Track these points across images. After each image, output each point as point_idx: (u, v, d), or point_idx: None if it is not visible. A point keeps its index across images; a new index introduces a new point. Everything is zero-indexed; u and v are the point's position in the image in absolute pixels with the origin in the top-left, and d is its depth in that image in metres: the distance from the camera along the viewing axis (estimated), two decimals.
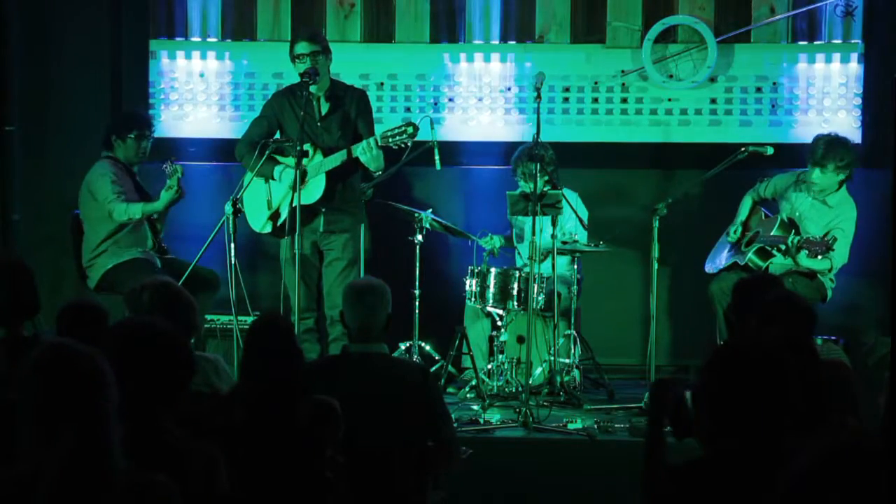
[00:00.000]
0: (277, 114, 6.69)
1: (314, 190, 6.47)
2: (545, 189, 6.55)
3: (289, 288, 6.49)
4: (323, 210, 6.51)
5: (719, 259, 6.97)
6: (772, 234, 6.68)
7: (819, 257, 6.37)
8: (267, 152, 6.44)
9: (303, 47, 6.55)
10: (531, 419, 5.91)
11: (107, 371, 2.71)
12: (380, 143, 6.38)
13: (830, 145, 6.63)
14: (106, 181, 6.61)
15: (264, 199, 6.63)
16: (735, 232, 6.89)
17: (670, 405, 3.32)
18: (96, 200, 6.62)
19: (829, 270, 6.59)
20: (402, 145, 6.38)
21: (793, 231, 6.66)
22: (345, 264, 6.63)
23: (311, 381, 3.98)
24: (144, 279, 6.43)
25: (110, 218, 6.59)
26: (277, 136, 6.68)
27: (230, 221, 6.27)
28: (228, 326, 6.62)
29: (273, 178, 6.56)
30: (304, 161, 6.33)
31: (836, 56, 7.59)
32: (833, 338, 6.48)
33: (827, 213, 6.69)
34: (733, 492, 2.89)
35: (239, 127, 7.73)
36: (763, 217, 6.95)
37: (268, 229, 6.69)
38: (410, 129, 6.36)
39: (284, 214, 6.52)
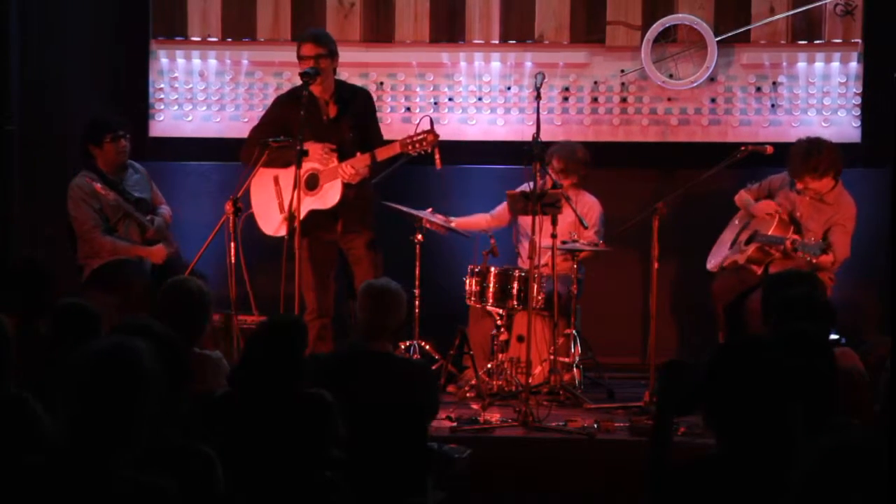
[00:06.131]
0: (282, 118, 6.65)
1: (332, 193, 6.49)
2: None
3: (304, 288, 6.53)
4: (339, 212, 6.53)
5: (720, 257, 6.97)
6: (769, 233, 6.68)
7: (814, 261, 6.38)
8: (266, 152, 6.45)
9: (308, 49, 6.54)
10: (531, 418, 5.91)
11: (157, 371, 2.74)
12: (400, 149, 6.42)
13: (805, 158, 6.62)
14: (79, 209, 6.68)
15: (275, 202, 6.62)
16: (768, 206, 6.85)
17: (679, 389, 3.28)
18: (74, 223, 6.71)
19: (833, 265, 6.58)
20: (423, 152, 6.43)
21: (791, 229, 6.67)
22: (370, 261, 6.63)
23: (314, 377, 3.98)
24: (129, 278, 6.60)
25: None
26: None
27: (230, 221, 6.28)
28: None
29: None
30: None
31: (836, 56, 7.59)
32: (835, 337, 6.47)
33: (826, 211, 6.70)
34: (737, 491, 2.88)
35: (239, 127, 7.74)
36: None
37: (283, 232, 6.68)
38: (430, 137, 6.40)
39: (300, 217, 6.52)
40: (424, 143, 6.39)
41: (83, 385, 2.69)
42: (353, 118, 6.61)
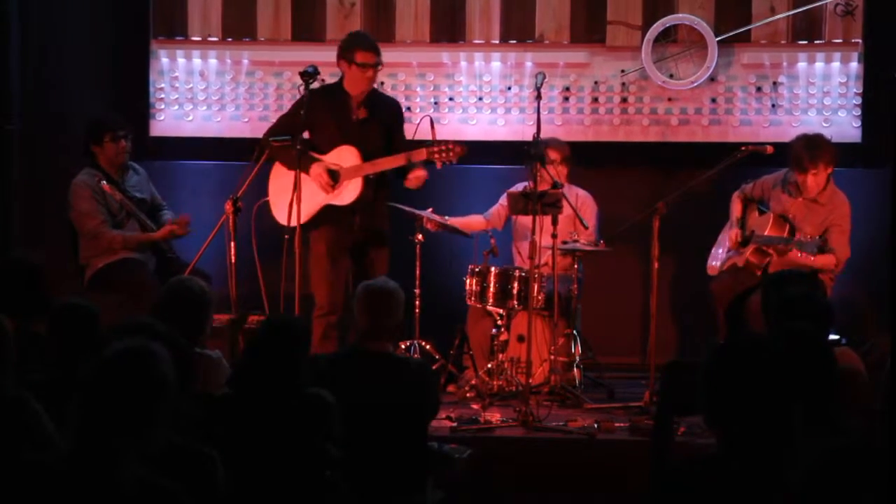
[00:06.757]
0: (310, 111, 6.59)
1: (351, 190, 6.50)
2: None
3: (314, 284, 6.53)
4: (357, 209, 6.53)
5: (719, 259, 6.98)
6: (766, 233, 6.68)
7: (812, 258, 6.38)
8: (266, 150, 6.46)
9: (368, 57, 6.51)
10: (532, 418, 5.91)
11: (172, 377, 2.74)
12: (426, 157, 6.43)
13: (811, 149, 6.62)
14: (87, 205, 6.67)
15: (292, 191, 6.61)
16: (737, 236, 6.87)
17: (680, 389, 3.28)
18: (81, 218, 6.69)
19: (836, 266, 6.59)
20: (448, 163, 6.43)
21: (787, 228, 6.67)
22: (379, 262, 6.64)
23: (314, 377, 3.98)
24: (136, 278, 6.59)
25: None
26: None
27: (230, 220, 6.28)
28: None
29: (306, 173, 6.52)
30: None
31: (836, 56, 7.59)
32: (835, 337, 6.47)
33: (820, 211, 6.70)
34: (737, 490, 2.88)
35: (239, 126, 7.75)
36: (757, 215, 6.95)
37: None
38: (458, 150, 6.41)
39: (314, 210, 6.52)
40: (451, 154, 6.42)
41: (102, 389, 2.69)
42: (380, 124, 6.62)
